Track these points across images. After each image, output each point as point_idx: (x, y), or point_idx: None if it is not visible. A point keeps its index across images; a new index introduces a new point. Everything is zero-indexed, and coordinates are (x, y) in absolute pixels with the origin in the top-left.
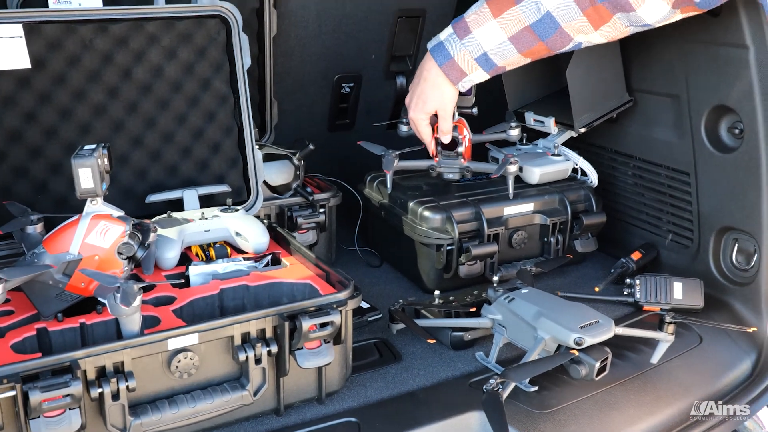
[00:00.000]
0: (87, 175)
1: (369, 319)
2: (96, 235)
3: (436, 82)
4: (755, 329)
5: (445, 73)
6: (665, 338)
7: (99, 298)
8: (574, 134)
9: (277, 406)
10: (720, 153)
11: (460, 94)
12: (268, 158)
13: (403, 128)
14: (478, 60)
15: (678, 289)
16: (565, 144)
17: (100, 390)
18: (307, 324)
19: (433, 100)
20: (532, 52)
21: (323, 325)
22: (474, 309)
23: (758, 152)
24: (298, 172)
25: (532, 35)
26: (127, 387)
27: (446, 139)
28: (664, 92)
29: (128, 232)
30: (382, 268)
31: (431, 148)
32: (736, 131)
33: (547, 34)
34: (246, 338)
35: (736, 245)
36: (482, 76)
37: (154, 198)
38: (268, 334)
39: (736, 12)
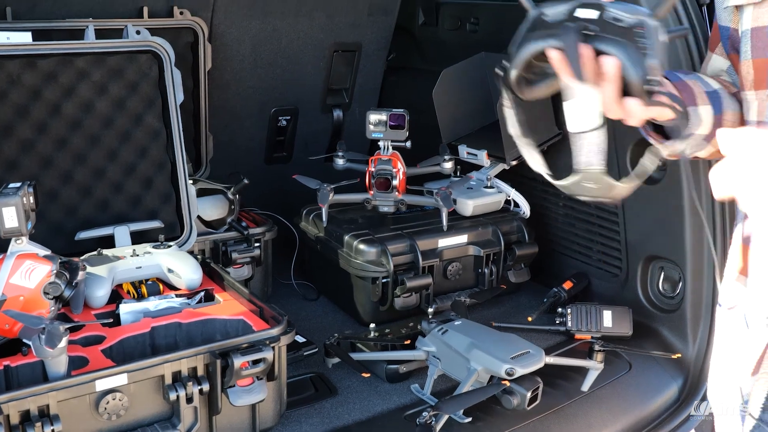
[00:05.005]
0: (11, 214)
1: (305, 353)
2: (21, 275)
3: None
4: (679, 355)
5: None
6: (594, 366)
7: (24, 340)
8: (506, 166)
9: None
10: (645, 184)
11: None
12: (202, 193)
13: (339, 162)
14: None
15: (607, 317)
16: (498, 176)
17: None
18: (238, 361)
19: None
20: None
21: (255, 362)
22: (409, 341)
23: (680, 184)
24: (232, 207)
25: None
26: (53, 431)
27: None
28: None
29: (55, 271)
30: (319, 301)
31: None
32: (660, 163)
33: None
34: (177, 377)
35: (663, 273)
36: None
37: (84, 235)
38: (200, 372)
39: None
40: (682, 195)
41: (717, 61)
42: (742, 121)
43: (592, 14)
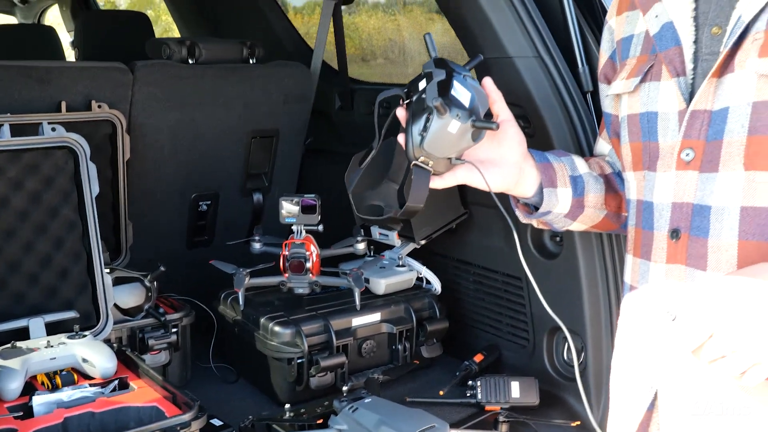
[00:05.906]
0: None
1: None
2: None
3: None
4: (578, 423)
5: None
6: None
7: None
8: (416, 245)
9: None
10: (545, 259)
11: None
12: (119, 281)
13: (256, 246)
14: None
15: (515, 388)
16: (409, 254)
17: None
18: None
19: None
20: None
21: None
22: (322, 420)
23: (576, 257)
24: (149, 294)
25: None
26: None
27: None
28: (494, 204)
29: None
30: (238, 384)
31: None
32: (557, 239)
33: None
34: None
35: (566, 343)
36: None
37: None
38: None
39: (548, 135)
40: (578, 267)
41: (601, 144)
42: (608, 201)
43: (423, 84)
